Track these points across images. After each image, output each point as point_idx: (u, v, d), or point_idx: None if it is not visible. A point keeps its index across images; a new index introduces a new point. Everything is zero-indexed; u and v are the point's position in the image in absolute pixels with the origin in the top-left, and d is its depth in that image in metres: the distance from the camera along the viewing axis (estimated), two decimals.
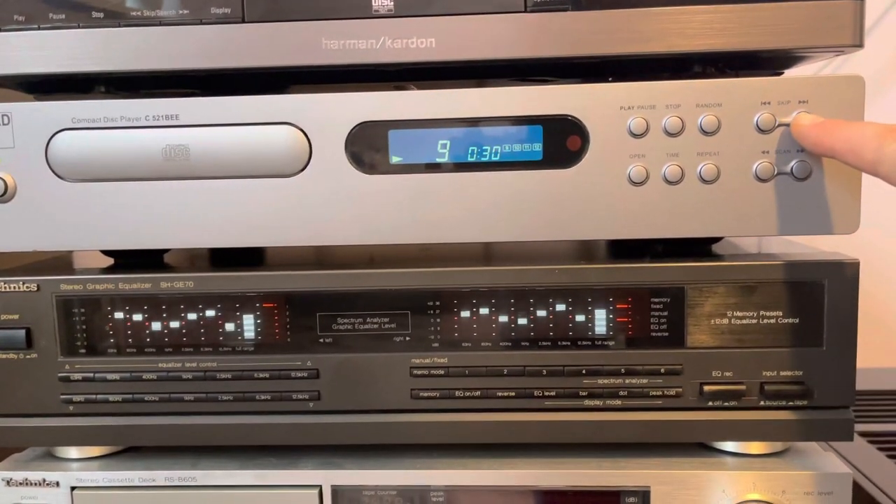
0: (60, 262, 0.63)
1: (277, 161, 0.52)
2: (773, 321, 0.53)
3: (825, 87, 0.50)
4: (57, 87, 0.57)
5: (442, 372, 0.54)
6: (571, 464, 0.55)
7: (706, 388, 0.53)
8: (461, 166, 0.52)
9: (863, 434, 0.72)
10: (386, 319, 0.54)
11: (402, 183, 0.52)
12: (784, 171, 0.51)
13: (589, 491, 0.54)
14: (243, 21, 0.51)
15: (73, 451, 0.59)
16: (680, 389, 0.53)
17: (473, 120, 0.52)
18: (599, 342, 0.54)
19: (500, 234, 0.53)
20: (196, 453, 0.58)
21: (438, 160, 0.52)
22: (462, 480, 0.55)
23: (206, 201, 0.53)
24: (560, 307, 0.54)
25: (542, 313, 0.54)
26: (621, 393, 0.54)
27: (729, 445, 0.56)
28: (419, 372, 0.54)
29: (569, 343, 0.54)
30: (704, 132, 0.51)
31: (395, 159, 0.52)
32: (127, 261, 0.60)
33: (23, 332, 0.55)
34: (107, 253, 0.60)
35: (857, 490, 0.61)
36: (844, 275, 0.52)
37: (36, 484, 0.56)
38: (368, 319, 0.54)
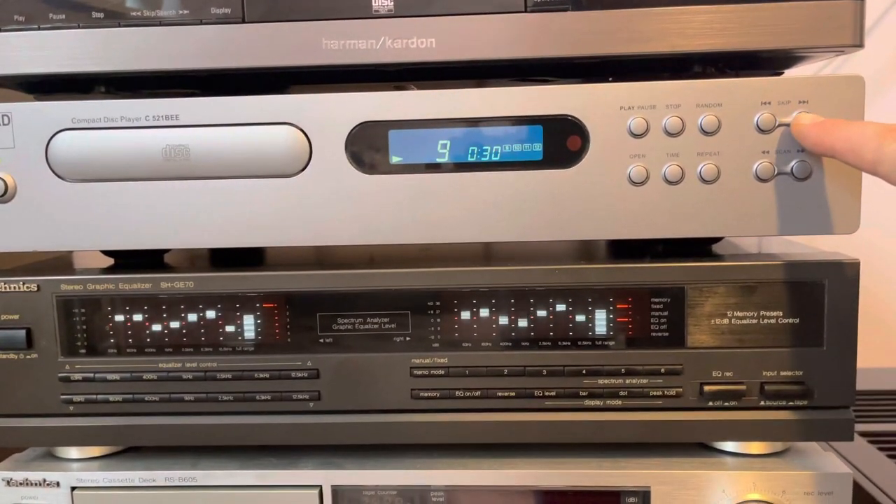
0: (60, 262, 0.63)
1: (278, 161, 0.52)
2: (773, 321, 0.53)
3: (825, 87, 0.50)
4: (57, 87, 0.57)
5: (442, 372, 0.54)
6: (571, 464, 0.55)
7: (706, 388, 0.53)
8: (461, 166, 0.52)
9: (863, 434, 0.72)
10: (386, 319, 0.54)
11: (403, 183, 0.52)
12: (784, 171, 0.51)
13: (589, 491, 0.54)
14: (243, 21, 0.51)
15: (73, 452, 0.59)
16: (680, 389, 0.53)
17: (473, 120, 0.52)
18: (600, 342, 0.54)
19: (501, 234, 0.53)
20: (196, 453, 0.58)
21: (438, 160, 0.52)
22: (462, 480, 0.55)
23: (207, 201, 0.53)
24: (560, 307, 0.54)
25: (542, 313, 0.54)
26: (621, 393, 0.54)
27: (729, 445, 0.56)
28: (419, 372, 0.54)
29: (569, 343, 0.54)
30: (704, 132, 0.51)
31: (395, 159, 0.52)
32: (127, 261, 0.60)
33: (23, 332, 0.55)
34: (107, 253, 0.60)
35: (857, 490, 0.61)
36: (844, 275, 0.52)
37: (36, 484, 0.56)
38: (369, 319, 0.54)
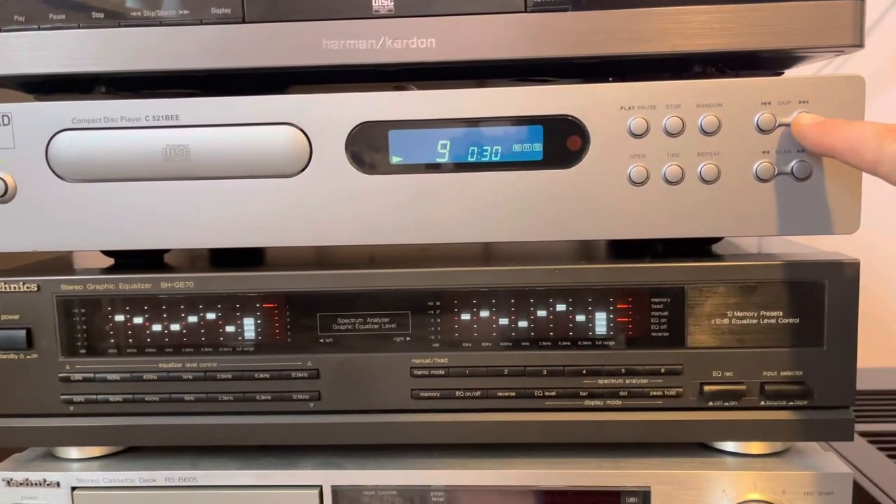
0: (60, 263, 0.63)
1: (278, 161, 0.52)
2: (773, 321, 0.53)
3: (825, 87, 0.50)
4: (57, 87, 0.57)
5: (442, 372, 0.54)
6: (571, 464, 0.55)
7: (706, 388, 0.53)
8: (461, 166, 0.52)
9: (863, 434, 0.72)
10: (386, 319, 0.54)
11: (403, 183, 0.52)
12: (784, 171, 0.51)
13: (589, 491, 0.54)
14: (243, 21, 0.51)
15: (73, 452, 0.59)
16: (680, 389, 0.53)
17: (474, 120, 0.52)
18: (600, 342, 0.54)
19: (501, 234, 0.53)
20: (196, 453, 0.58)
21: (439, 160, 0.52)
22: (462, 480, 0.55)
23: (207, 201, 0.53)
24: (560, 307, 0.54)
25: (542, 313, 0.54)
26: (622, 393, 0.54)
27: (729, 445, 0.56)
28: (419, 372, 0.54)
29: (569, 343, 0.54)
30: (705, 132, 0.51)
31: (395, 159, 0.52)
32: (127, 261, 0.60)
33: (23, 332, 0.55)
34: (107, 253, 0.60)
35: (857, 490, 0.61)
36: (844, 275, 0.52)
37: (36, 484, 0.56)
38: (369, 319, 0.54)
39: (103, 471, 0.57)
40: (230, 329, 0.55)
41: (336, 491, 0.55)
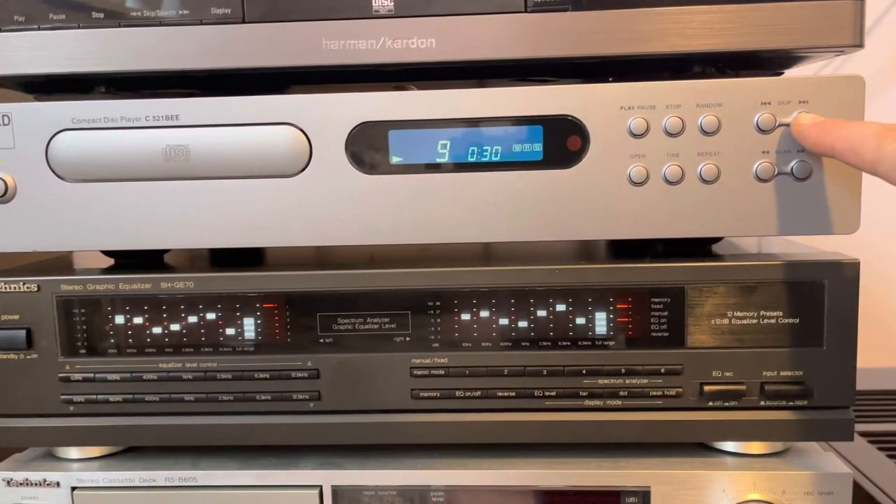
0: (60, 263, 0.63)
1: (278, 161, 0.52)
2: (773, 321, 0.53)
3: (825, 87, 0.50)
4: (57, 87, 0.57)
5: (442, 372, 0.54)
6: (571, 464, 0.55)
7: (706, 388, 0.53)
8: (461, 166, 0.52)
9: (863, 434, 0.72)
10: (386, 319, 0.54)
11: (403, 183, 0.52)
12: (784, 171, 0.51)
13: (589, 491, 0.54)
14: (243, 21, 0.51)
15: (73, 452, 0.59)
16: (680, 389, 0.53)
17: (474, 120, 0.52)
18: (600, 342, 0.54)
19: (500, 234, 0.53)
20: (196, 453, 0.58)
21: (439, 160, 0.52)
22: (462, 480, 0.55)
23: (207, 201, 0.53)
24: (560, 307, 0.54)
25: (542, 313, 0.54)
26: (621, 393, 0.54)
27: (729, 445, 0.56)
28: (419, 372, 0.54)
29: (569, 343, 0.54)
30: (705, 132, 0.51)
31: (395, 159, 0.52)
32: (127, 261, 0.60)
33: (23, 332, 0.55)
34: (107, 253, 0.60)
35: (857, 490, 0.61)
36: (844, 275, 0.52)
37: (36, 484, 0.56)
38: (369, 319, 0.54)
39: (103, 471, 0.57)
40: (230, 329, 0.55)
41: (336, 491, 0.55)
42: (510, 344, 0.54)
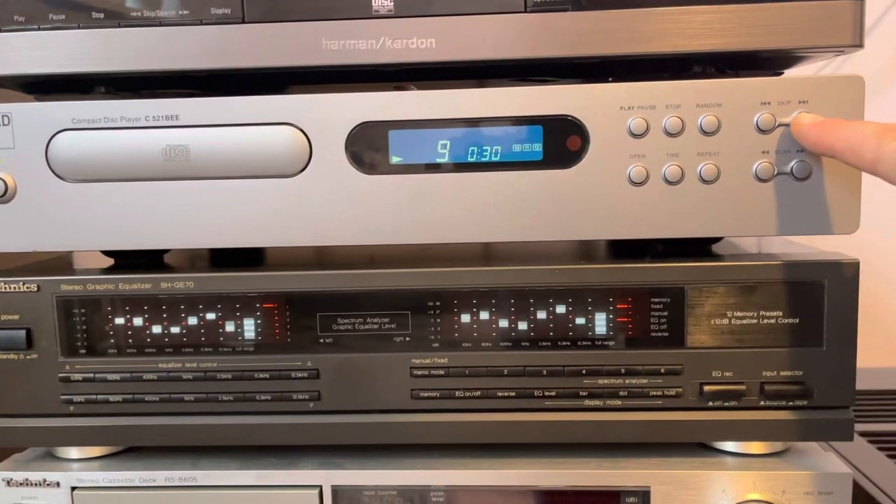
0: (60, 263, 0.63)
1: (278, 161, 0.52)
2: (773, 321, 0.53)
3: (825, 87, 0.50)
4: (57, 87, 0.57)
5: (442, 372, 0.54)
6: (571, 464, 0.55)
7: (706, 388, 0.53)
8: (461, 166, 0.52)
9: (863, 434, 0.72)
10: (386, 320, 0.54)
11: (403, 183, 0.52)
12: (784, 171, 0.51)
13: (589, 491, 0.54)
14: (243, 21, 0.51)
15: (73, 452, 0.59)
16: (680, 389, 0.53)
17: (473, 120, 0.52)
18: (599, 342, 0.54)
19: (500, 235, 0.53)
20: (196, 453, 0.58)
21: (438, 160, 0.52)
22: (462, 480, 0.55)
23: (207, 201, 0.53)
24: (560, 307, 0.54)
25: (542, 313, 0.54)
26: (621, 393, 0.54)
27: (729, 445, 0.56)
28: (419, 372, 0.54)
29: (569, 343, 0.54)
30: (704, 132, 0.51)
31: (395, 159, 0.52)
32: (127, 261, 0.60)
33: (23, 332, 0.55)
34: (107, 253, 0.60)
35: (857, 490, 0.61)
36: (844, 275, 0.52)
37: (36, 484, 0.56)
38: (369, 320, 0.54)
39: (103, 471, 0.57)
40: (230, 329, 0.55)
41: (336, 491, 0.55)
42: (510, 344, 0.54)
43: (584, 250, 0.63)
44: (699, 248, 0.57)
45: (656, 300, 0.53)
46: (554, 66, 0.55)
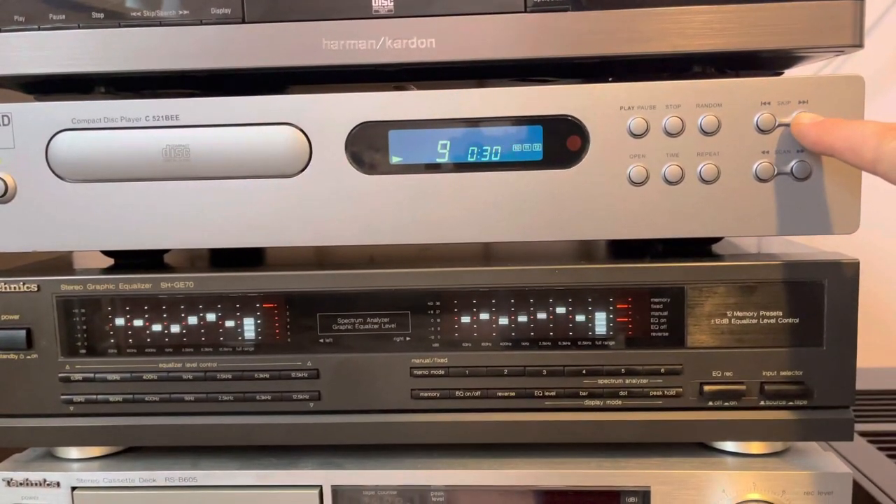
0: (61, 263, 0.63)
1: (278, 161, 0.52)
2: (773, 321, 0.53)
3: (825, 87, 0.50)
4: (57, 87, 0.57)
5: (442, 372, 0.54)
6: (571, 464, 0.55)
7: (706, 388, 0.53)
8: (461, 166, 0.52)
9: (863, 434, 0.72)
10: (386, 319, 0.54)
11: (403, 183, 0.52)
12: (784, 171, 0.51)
13: (589, 491, 0.54)
14: (243, 21, 0.51)
15: (73, 452, 0.59)
16: (680, 389, 0.53)
17: (473, 120, 0.52)
18: (599, 342, 0.54)
19: (500, 235, 0.53)
20: (196, 453, 0.58)
21: (438, 160, 0.52)
22: (462, 480, 0.55)
23: (207, 201, 0.53)
24: (560, 307, 0.54)
25: (542, 313, 0.54)
26: (621, 393, 0.54)
27: (729, 445, 0.56)
28: (419, 372, 0.54)
29: (569, 343, 0.54)
30: (704, 132, 0.51)
31: (395, 159, 0.52)
32: (127, 261, 0.60)
33: (23, 332, 0.55)
34: (107, 253, 0.60)
35: (857, 490, 0.61)
36: (844, 275, 0.52)
37: (36, 484, 0.56)
38: (369, 319, 0.54)
39: (103, 471, 0.57)
40: (230, 329, 0.55)
41: (336, 491, 0.55)
42: (510, 344, 0.54)
43: (584, 250, 0.63)
44: (699, 248, 0.57)
45: (656, 300, 0.53)
46: (554, 66, 0.55)
